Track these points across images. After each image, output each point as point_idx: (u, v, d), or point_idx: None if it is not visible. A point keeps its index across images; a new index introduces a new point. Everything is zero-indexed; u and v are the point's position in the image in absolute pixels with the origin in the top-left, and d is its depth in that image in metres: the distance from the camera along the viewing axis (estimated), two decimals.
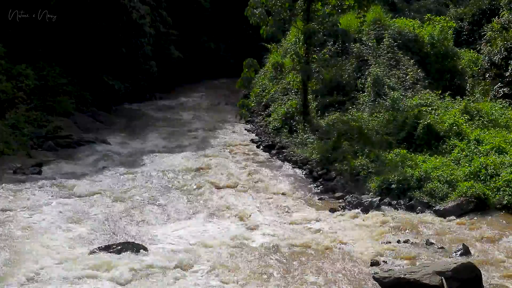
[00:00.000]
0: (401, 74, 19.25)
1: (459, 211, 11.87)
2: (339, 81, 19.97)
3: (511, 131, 14.94)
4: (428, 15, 23.21)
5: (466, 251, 9.83)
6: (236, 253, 10.03)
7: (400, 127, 15.86)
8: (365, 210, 12.39)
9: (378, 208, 12.47)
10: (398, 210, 12.42)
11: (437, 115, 15.82)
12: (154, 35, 27.86)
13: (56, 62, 22.33)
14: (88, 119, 21.98)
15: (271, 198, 13.52)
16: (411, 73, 19.15)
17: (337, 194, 13.83)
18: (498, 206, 12.03)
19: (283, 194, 13.94)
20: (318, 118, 19.00)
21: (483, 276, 8.53)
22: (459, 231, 11.01)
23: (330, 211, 12.68)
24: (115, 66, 25.07)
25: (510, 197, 11.96)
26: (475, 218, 11.65)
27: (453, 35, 22.05)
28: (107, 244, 10.33)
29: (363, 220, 11.87)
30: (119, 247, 10.05)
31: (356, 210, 12.45)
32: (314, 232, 11.28)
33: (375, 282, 8.68)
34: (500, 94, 17.63)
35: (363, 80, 19.43)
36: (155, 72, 28.01)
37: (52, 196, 13.20)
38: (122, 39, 24.89)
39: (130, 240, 10.56)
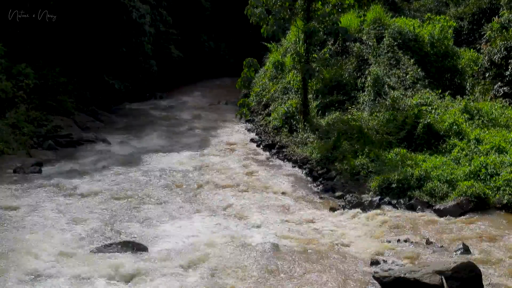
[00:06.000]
0: (401, 74, 19.23)
1: (459, 211, 11.87)
2: (339, 80, 19.97)
3: (511, 131, 14.94)
4: (428, 14, 23.15)
5: (466, 250, 9.84)
6: (236, 252, 10.03)
7: (400, 127, 15.87)
8: (365, 209, 12.39)
9: (378, 207, 12.47)
10: (398, 209, 12.43)
11: (437, 115, 15.82)
12: (154, 34, 27.88)
13: (56, 62, 22.34)
14: (88, 118, 22.02)
15: (271, 197, 13.53)
16: (411, 72, 19.14)
17: (337, 194, 13.84)
18: (498, 205, 12.03)
19: (283, 193, 13.94)
20: (318, 117, 19.00)
21: (483, 275, 8.52)
22: (459, 230, 11.01)
23: (330, 210, 12.68)
24: (115, 65, 25.09)
25: (510, 196, 11.96)
26: (475, 217, 11.65)
27: (453, 35, 22.02)
28: (107, 243, 10.35)
29: (363, 219, 11.86)
30: (119, 246, 10.07)
31: (356, 210, 12.44)
32: (314, 231, 11.28)
33: (375, 281, 8.69)
34: (500, 93, 17.61)
35: (363, 80, 19.43)
36: (155, 72, 28.04)
37: (52, 195, 13.21)
38: (122, 39, 24.91)
39: (130, 239, 10.57)
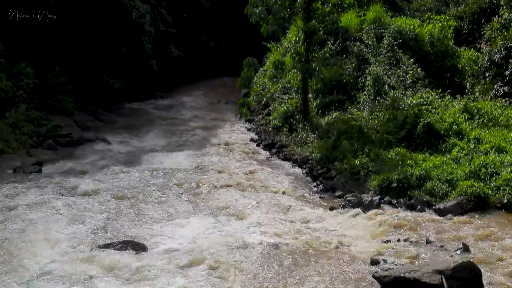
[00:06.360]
0: (401, 73, 19.24)
1: (459, 210, 11.87)
2: (339, 80, 19.97)
3: (511, 130, 14.94)
4: (428, 14, 23.16)
5: (466, 250, 9.82)
6: (236, 252, 10.03)
7: (400, 126, 15.87)
8: (365, 209, 12.38)
9: (378, 207, 12.46)
10: (398, 209, 12.42)
11: (437, 114, 15.82)
12: (154, 33, 27.86)
13: (56, 61, 22.33)
14: (88, 118, 22.02)
15: (271, 197, 13.52)
16: (411, 72, 19.14)
17: (337, 193, 13.84)
18: (498, 205, 12.02)
19: (283, 193, 13.94)
20: (318, 117, 19.00)
21: (483, 274, 8.53)
22: (459, 230, 11.00)
23: (330, 209, 12.68)
24: (115, 65, 25.08)
25: (510, 196, 11.95)
26: (475, 216, 11.65)
27: (453, 34, 22.02)
28: (107, 242, 10.35)
29: (363, 219, 11.85)
30: (119, 245, 10.07)
31: (356, 209, 12.42)
32: (314, 231, 11.28)
33: (375, 281, 8.69)
34: (500, 93, 17.61)
35: (363, 79, 19.43)
36: (155, 71, 28.02)
37: (52, 194, 13.19)
38: (122, 38, 24.89)
39: (130, 239, 10.57)
